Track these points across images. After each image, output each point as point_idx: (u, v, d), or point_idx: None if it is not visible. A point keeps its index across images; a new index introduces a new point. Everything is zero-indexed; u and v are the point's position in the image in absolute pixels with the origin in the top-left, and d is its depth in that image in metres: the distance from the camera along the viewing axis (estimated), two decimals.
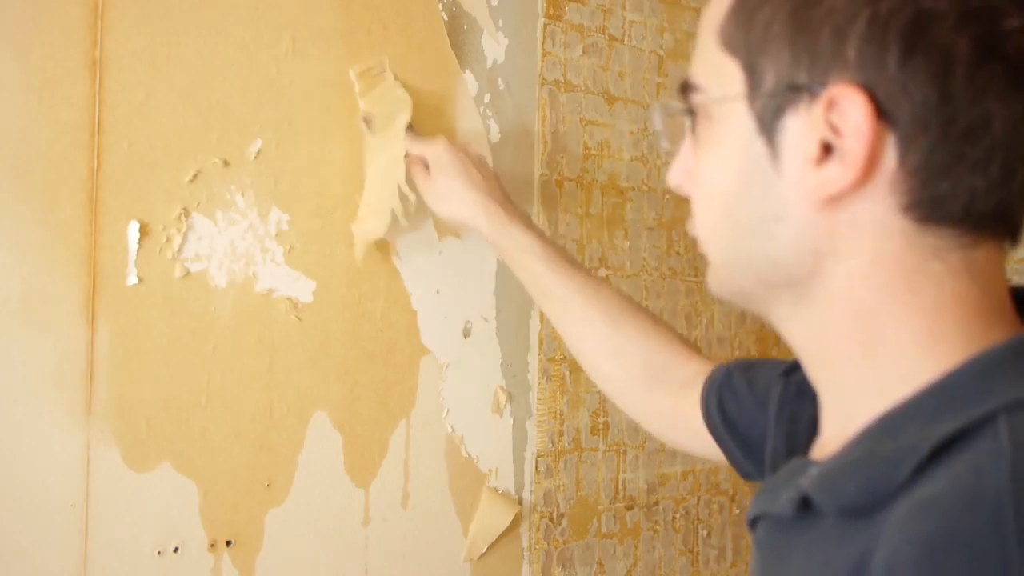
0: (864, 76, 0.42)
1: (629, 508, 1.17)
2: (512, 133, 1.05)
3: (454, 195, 0.89)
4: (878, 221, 0.45)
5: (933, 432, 0.41)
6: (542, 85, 1.08)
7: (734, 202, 0.48)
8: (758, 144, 0.46)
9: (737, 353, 1.28)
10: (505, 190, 0.92)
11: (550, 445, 1.09)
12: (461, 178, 0.88)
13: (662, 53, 1.21)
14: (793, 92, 0.45)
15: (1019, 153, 0.43)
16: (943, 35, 0.41)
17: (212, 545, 0.85)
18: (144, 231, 0.80)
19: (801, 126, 0.45)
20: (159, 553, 0.82)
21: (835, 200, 0.45)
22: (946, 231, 0.44)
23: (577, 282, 0.85)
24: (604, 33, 1.14)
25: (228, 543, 0.85)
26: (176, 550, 0.82)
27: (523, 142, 1.06)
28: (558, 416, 1.10)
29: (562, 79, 1.10)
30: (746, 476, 0.73)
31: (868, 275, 0.45)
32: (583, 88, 1.12)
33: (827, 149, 0.44)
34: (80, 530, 0.78)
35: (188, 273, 0.83)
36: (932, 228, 0.44)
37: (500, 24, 1.04)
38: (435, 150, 0.90)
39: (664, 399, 0.81)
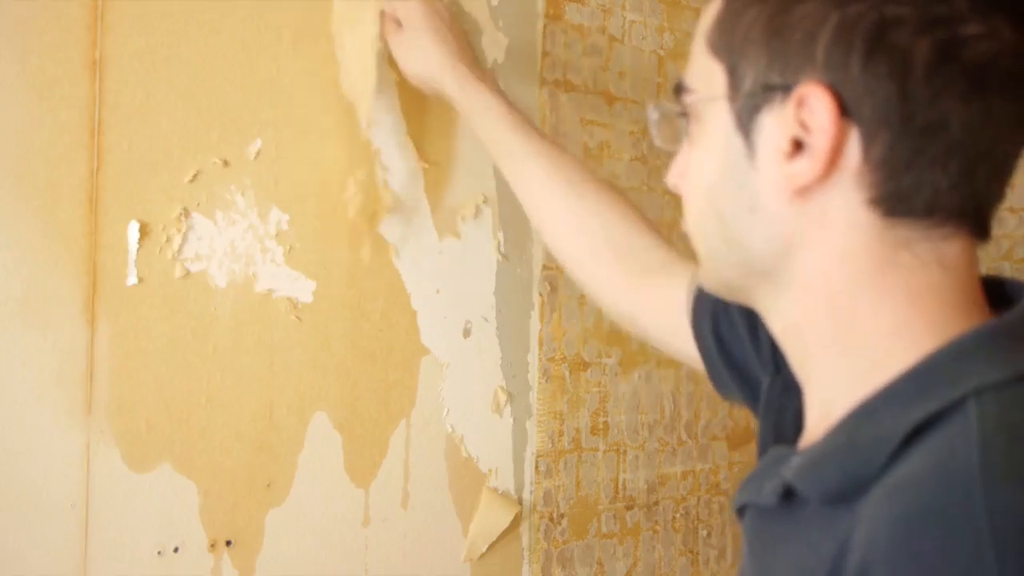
0: (830, 76, 0.46)
1: (629, 508, 1.17)
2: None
3: (422, 52, 0.88)
4: (846, 214, 0.47)
5: (908, 417, 0.43)
6: (542, 85, 1.08)
7: (715, 195, 0.52)
8: (736, 141, 0.50)
9: None
10: (475, 52, 0.90)
11: (550, 445, 1.09)
12: (431, 35, 0.87)
13: (662, 53, 1.21)
14: (768, 92, 0.48)
15: (978, 152, 0.45)
16: (904, 39, 0.44)
17: (212, 545, 0.85)
18: (144, 231, 0.80)
19: (775, 123, 0.48)
20: (159, 553, 0.82)
21: (804, 192, 0.48)
22: (914, 224, 0.47)
23: (539, 146, 0.85)
24: (604, 33, 1.14)
25: (228, 543, 0.85)
26: (176, 550, 0.83)
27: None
28: (558, 416, 1.10)
29: (562, 79, 1.10)
30: (724, 393, 0.74)
31: (839, 265, 0.48)
32: (583, 88, 1.12)
33: (798, 145, 0.47)
34: (80, 530, 0.78)
35: (188, 273, 0.83)
36: (900, 221, 0.47)
37: (500, 24, 1.04)
38: (407, 6, 0.89)
39: (627, 280, 0.81)
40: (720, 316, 0.72)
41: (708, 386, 0.76)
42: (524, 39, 1.06)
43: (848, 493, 0.44)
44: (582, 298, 1.11)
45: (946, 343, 0.46)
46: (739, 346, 0.70)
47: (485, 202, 1.03)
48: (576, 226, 0.83)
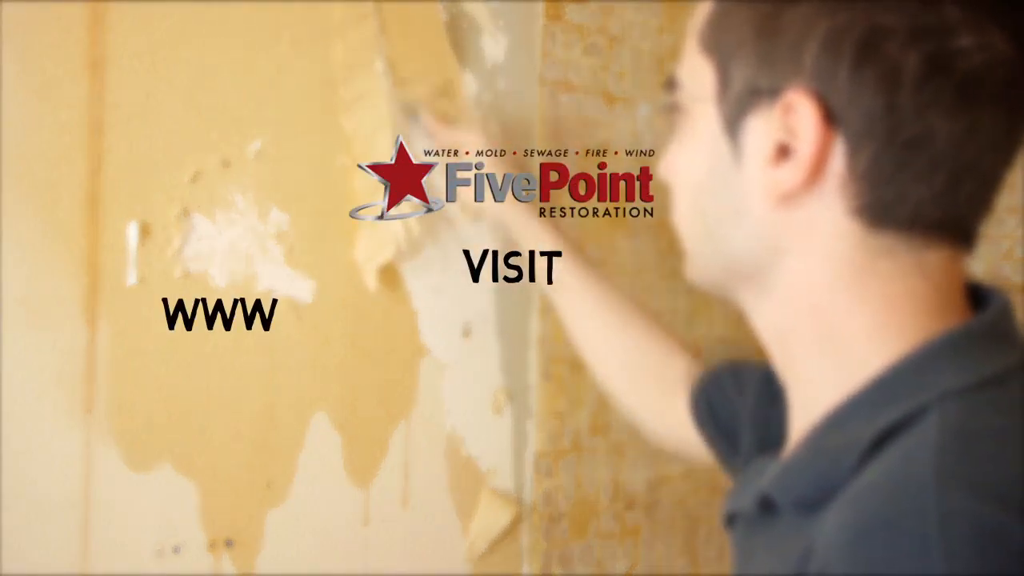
0: (818, 84, 0.45)
1: (629, 508, 1.17)
2: (512, 133, 1.05)
3: None
4: (829, 222, 0.47)
5: (874, 424, 0.43)
6: (542, 85, 1.08)
7: (701, 195, 0.52)
8: (723, 142, 0.50)
9: (737, 354, 1.28)
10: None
11: (550, 445, 1.09)
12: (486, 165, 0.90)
13: (662, 53, 1.21)
14: (755, 95, 0.47)
15: (964, 166, 0.45)
16: (893, 50, 0.43)
17: (212, 545, 0.85)
18: (144, 231, 0.80)
19: (761, 127, 0.48)
20: (159, 553, 0.82)
21: (788, 199, 0.47)
22: (895, 234, 0.46)
23: (587, 281, 0.87)
24: (604, 33, 1.14)
25: (228, 543, 0.85)
26: (176, 550, 0.82)
27: (523, 142, 1.06)
28: (558, 416, 1.10)
29: (562, 79, 1.10)
30: (734, 473, 0.74)
31: (821, 272, 0.48)
32: (583, 88, 1.12)
33: (784, 151, 0.47)
34: (80, 530, 0.78)
35: (188, 273, 0.83)
36: (881, 231, 0.46)
37: (500, 24, 1.04)
38: (467, 140, 0.91)
39: (659, 399, 0.83)
40: (712, 388, 0.73)
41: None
42: (524, 39, 1.06)
43: (817, 500, 0.44)
44: None
45: (915, 349, 0.46)
46: (729, 409, 0.71)
47: None
48: (618, 357, 0.86)
